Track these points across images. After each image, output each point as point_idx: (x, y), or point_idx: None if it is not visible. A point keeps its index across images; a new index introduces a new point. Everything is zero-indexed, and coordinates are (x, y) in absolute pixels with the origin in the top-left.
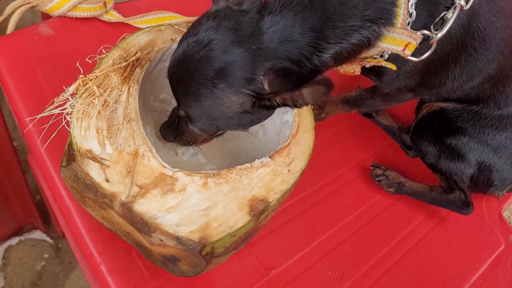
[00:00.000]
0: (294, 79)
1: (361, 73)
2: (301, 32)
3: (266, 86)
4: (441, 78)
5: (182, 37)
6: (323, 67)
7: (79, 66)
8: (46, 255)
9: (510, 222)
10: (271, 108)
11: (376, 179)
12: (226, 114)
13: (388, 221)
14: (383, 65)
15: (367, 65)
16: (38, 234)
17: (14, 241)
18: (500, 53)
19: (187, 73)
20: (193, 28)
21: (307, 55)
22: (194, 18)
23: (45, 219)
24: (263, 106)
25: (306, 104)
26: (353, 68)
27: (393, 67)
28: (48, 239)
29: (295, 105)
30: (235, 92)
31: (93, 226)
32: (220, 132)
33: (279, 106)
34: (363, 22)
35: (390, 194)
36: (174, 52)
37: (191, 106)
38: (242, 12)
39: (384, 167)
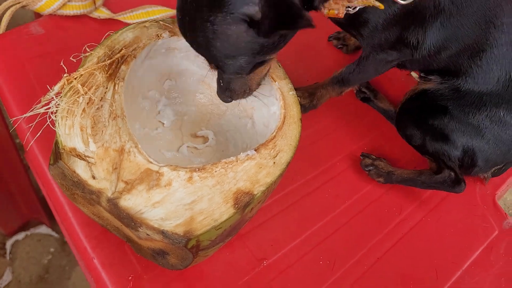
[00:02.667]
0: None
1: (342, 28)
2: None
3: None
4: (418, 35)
5: None
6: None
7: (63, 65)
8: (52, 249)
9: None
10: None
11: (366, 169)
12: (242, 46)
13: (380, 211)
14: (371, 4)
15: (357, 6)
16: (43, 229)
17: (20, 236)
18: (476, 23)
19: (190, 25)
20: None
21: None
22: None
23: (50, 214)
24: (264, 32)
25: None
26: (337, 9)
27: (380, 6)
28: (53, 233)
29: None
30: (233, 19)
31: (86, 221)
32: (261, 62)
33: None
34: None
35: (382, 184)
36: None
37: (209, 54)
38: None
39: (374, 157)
